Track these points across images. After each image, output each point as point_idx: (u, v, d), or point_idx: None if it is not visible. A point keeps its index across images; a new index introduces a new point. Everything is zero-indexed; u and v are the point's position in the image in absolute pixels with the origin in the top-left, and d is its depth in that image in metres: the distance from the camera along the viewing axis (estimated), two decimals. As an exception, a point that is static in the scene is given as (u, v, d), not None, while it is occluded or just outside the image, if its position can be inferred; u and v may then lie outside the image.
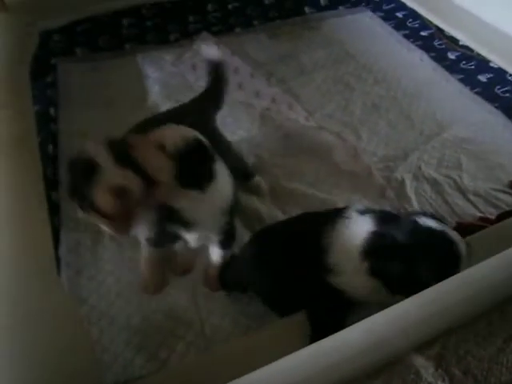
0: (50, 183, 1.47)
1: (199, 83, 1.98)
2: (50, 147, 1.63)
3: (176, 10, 2.42)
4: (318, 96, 1.97)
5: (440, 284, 0.64)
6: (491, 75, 2.05)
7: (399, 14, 2.50)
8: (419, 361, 0.61)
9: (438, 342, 0.64)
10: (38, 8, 2.05)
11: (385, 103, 1.94)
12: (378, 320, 0.60)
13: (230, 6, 2.50)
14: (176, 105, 1.56)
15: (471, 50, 2.14)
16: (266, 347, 1.03)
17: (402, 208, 1.49)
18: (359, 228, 0.94)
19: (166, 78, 2.02)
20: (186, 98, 1.88)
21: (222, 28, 2.36)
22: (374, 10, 2.54)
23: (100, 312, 1.20)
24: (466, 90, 2.00)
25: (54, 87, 1.92)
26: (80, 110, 1.83)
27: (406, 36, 2.35)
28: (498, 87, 1.99)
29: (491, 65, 2.07)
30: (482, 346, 0.63)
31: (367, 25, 2.45)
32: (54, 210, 1.40)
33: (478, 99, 1.95)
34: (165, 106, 1.84)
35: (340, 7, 2.57)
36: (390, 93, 1.99)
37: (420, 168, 1.63)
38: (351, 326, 0.60)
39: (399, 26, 2.42)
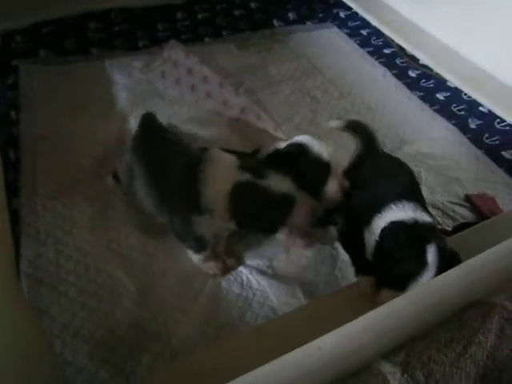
0: (11, 189, 1.42)
1: (168, 91, 1.98)
2: (11, 151, 1.57)
3: (145, 17, 2.41)
4: (285, 107, 2.01)
5: (406, 294, 0.68)
6: (448, 94, 2.17)
7: (364, 32, 2.60)
8: (387, 367, 0.64)
9: (404, 349, 0.67)
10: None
11: (349, 117, 2.00)
12: (350, 328, 0.63)
13: (199, 16, 2.52)
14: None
15: (430, 70, 2.25)
16: (235, 357, 1.04)
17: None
18: None
19: (134, 84, 1.99)
20: (155, 105, 1.89)
21: (191, 37, 2.37)
22: (340, 27, 2.63)
23: (62, 324, 1.16)
24: (425, 107, 2.10)
25: (16, 89, 1.86)
26: (43, 113, 1.78)
27: (370, 53, 2.44)
28: (455, 105, 2.11)
29: (448, 84, 2.19)
30: (442, 352, 0.66)
31: (333, 40, 2.53)
32: (14, 217, 1.35)
33: (437, 116, 2.05)
34: (133, 114, 1.82)
35: (308, 22, 2.64)
36: (355, 107, 2.06)
37: (383, 180, 1.69)
38: (323, 336, 0.61)
39: (364, 42, 2.52)
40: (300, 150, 1.27)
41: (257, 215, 1.12)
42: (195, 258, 1.31)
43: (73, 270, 1.29)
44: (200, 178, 1.13)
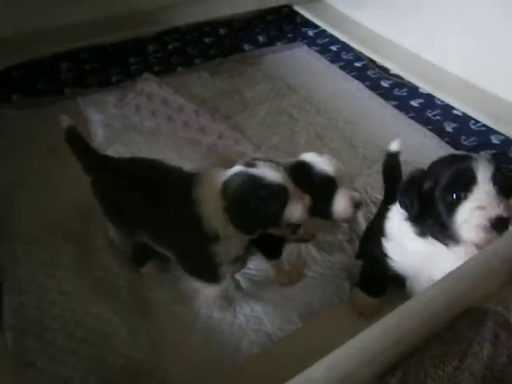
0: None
1: (144, 123, 1.97)
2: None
3: (116, 53, 2.42)
4: (263, 129, 2.01)
5: (399, 309, 0.66)
6: (422, 100, 2.20)
7: (333, 48, 2.65)
8: (384, 389, 0.61)
9: (400, 367, 0.65)
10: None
11: (328, 132, 2.01)
12: (342, 352, 0.60)
13: (170, 46, 2.54)
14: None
15: (401, 78, 2.29)
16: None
17: (353, 231, 1.54)
18: None
19: (109, 120, 1.98)
20: (131, 139, 1.88)
21: (163, 68, 2.38)
22: (309, 45, 2.67)
23: (51, 375, 1.11)
24: (401, 115, 2.12)
25: (-10, 137, 1.83)
26: (20, 158, 1.76)
27: (341, 67, 2.48)
28: (429, 111, 2.13)
29: (420, 91, 2.23)
30: (439, 368, 0.64)
31: (305, 59, 2.56)
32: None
33: (413, 123, 2.07)
34: (110, 149, 1.81)
35: (278, 43, 2.68)
36: (332, 122, 2.08)
37: (366, 192, 1.69)
38: (315, 364, 0.59)
39: (335, 58, 2.56)
40: (301, 170, 1.17)
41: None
42: (211, 290, 1.26)
43: (58, 316, 1.24)
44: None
